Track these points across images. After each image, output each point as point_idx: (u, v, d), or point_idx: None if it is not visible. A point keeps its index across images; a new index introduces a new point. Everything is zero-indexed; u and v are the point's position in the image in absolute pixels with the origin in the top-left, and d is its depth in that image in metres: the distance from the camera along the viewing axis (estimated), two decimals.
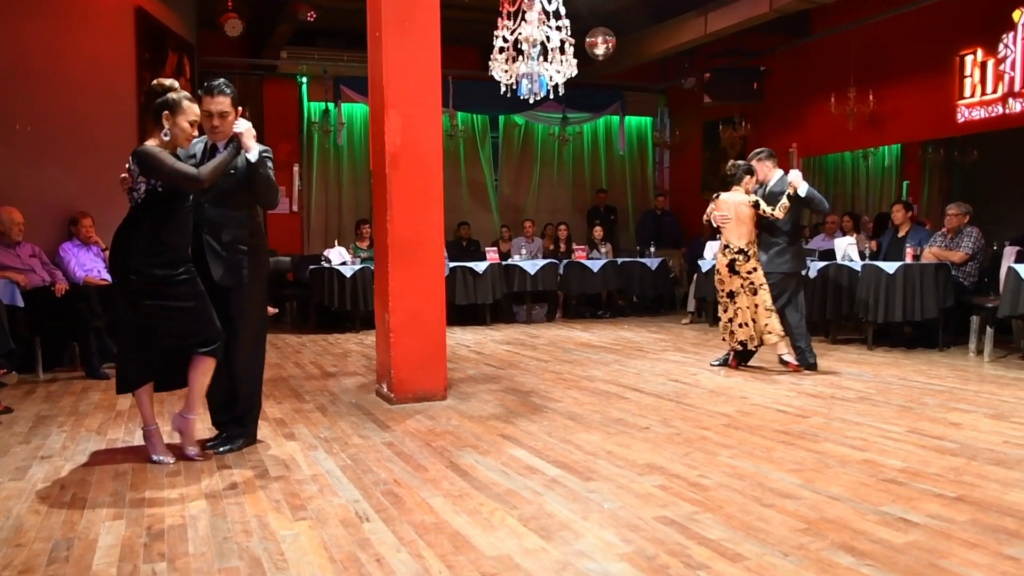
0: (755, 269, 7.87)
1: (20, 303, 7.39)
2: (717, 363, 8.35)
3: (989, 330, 8.51)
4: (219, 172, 4.87)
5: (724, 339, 8.19)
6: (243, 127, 5.00)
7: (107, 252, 9.07)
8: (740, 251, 7.85)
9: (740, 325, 7.92)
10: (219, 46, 13.03)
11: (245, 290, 5.15)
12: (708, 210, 8.16)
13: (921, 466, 4.62)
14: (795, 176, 7.79)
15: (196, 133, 4.98)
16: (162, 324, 4.82)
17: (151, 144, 4.78)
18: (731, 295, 7.97)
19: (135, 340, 4.91)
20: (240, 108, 5.15)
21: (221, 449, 5.14)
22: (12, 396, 6.99)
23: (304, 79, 14.54)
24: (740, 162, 8.20)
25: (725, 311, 8.08)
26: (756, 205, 7.81)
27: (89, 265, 8.76)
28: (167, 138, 4.79)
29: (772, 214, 7.73)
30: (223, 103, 5.00)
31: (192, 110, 4.87)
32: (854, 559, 3.29)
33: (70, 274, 8.48)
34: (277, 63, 13.73)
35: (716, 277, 8.15)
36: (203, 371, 4.94)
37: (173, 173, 4.70)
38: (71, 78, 9.28)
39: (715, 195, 8.12)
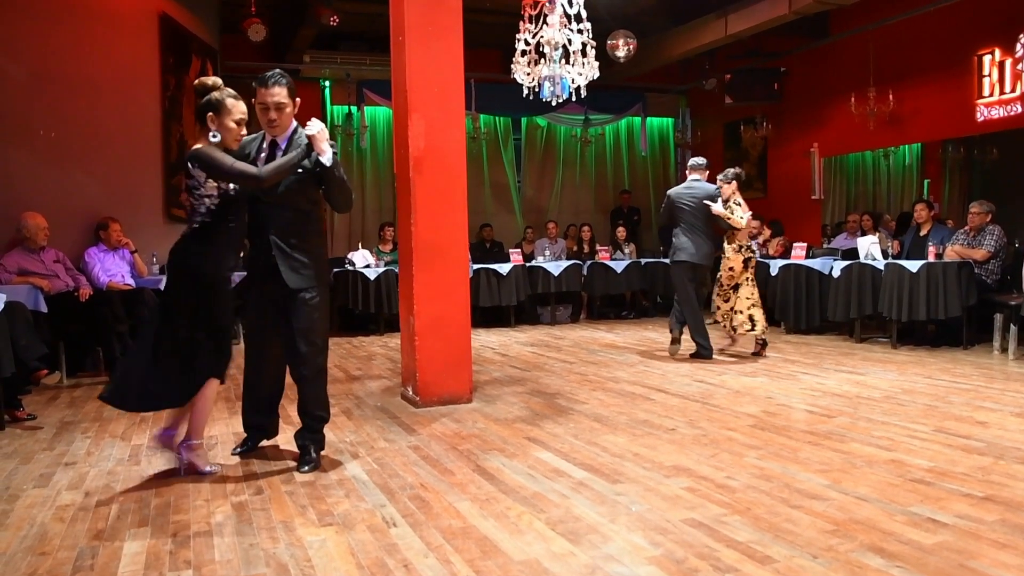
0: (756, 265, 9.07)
1: (44, 308, 7.42)
2: (755, 352, 8.99)
3: (1013, 328, 8.47)
4: (283, 173, 4.66)
5: (726, 326, 9.20)
6: (315, 128, 4.70)
7: (136, 254, 9.14)
8: (751, 248, 9.00)
9: (737, 312, 8.98)
10: (242, 50, 13.08)
11: (311, 293, 4.89)
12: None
13: (949, 466, 4.59)
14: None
15: (244, 132, 4.81)
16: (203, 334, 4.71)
17: (201, 146, 4.63)
18: (736, 288, 8.99)
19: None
20: (298, 100, 4.89)
21: (304, 469, 4.81)
22: (36, 402, 7.05)
23: (327, 83, 14.58)
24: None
25: (727, 301, 9.11)
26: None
27: (114, 270, 8.80)
28: (215, 140, 4.64)
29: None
30: (279, 94, 4.76)
31: (238, 108, 4.71)
32: (884, 560, 3.28)
33: (94, 279, 8.52)
34: (300, 67, 13.75)
35: (727, 273, 9.01)
36: (213, 395, 4.86)
37: (233, 172, 4.56)
38: (95, 84, 9.34)
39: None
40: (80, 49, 9.16)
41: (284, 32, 13.23)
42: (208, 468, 4.82)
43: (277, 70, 4.85)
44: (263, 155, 4.87)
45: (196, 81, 4.73)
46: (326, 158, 4.73)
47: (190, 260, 4.72)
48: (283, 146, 4.85)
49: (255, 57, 13.37)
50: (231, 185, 4.65)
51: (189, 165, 4.61)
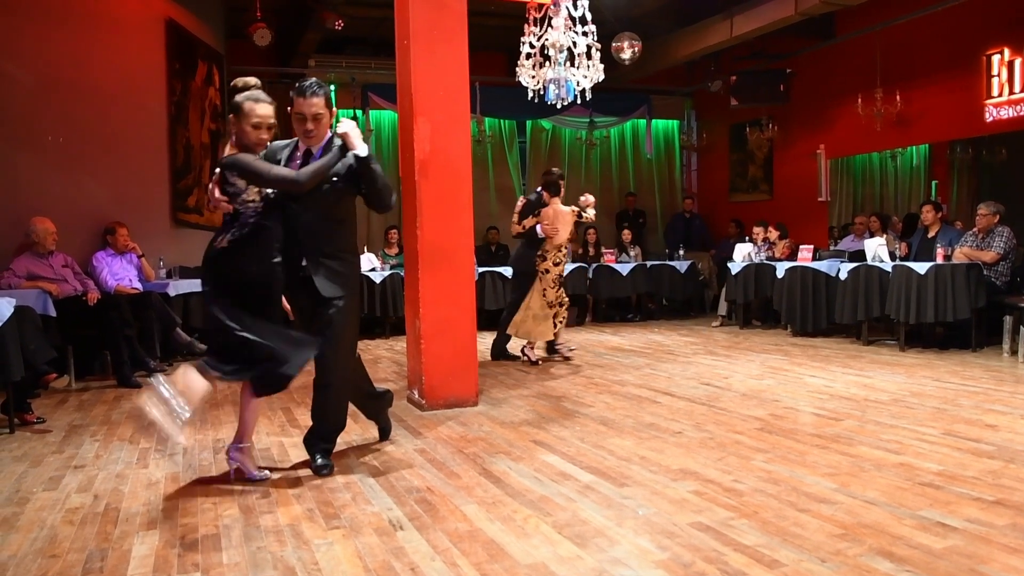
0: (547, 271, 9.08)
1: (52, 312, 7.42)
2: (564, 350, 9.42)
3: (1023, 330, 8.42)
4: (320, 175, 4.58)
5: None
6: (347, 126, 4.69)
7: (143, 258, 9.16)
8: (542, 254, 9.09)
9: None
10: (248, 55, 13.09)
11: (344, 302, 4.83)
12: (528, 222, 9.20)
13: (958, 469, 4.57)
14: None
15: (266, 137, 4.64)
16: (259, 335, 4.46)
17: (234, 152, 4.54)
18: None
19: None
20: (334, 109, 4.85)
21: (324, 472, 4.80)
22: (45, 406, 7.06)
23: (332, 87, 14.45)
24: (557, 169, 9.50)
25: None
26: (579, 215, 9.31)
27: (121, 274, 8.83)
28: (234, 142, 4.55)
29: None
30: (317, 104, 4.70)
31: (254, 112, 4.53)
32: (892, 565, 3.26)
33: (102, 283, 8.54)
34: (305, 71, 13.72)
35: (548, 277, 9.12)
36: (258, 401, 4.71)
37: (271, 177, 4.47)
38: (102, 89, 9.37)
39: (537, 211, 9.18)
40: (87, 55, 9.19)
41: (289, 37, 13.25)
42: (257, 474, 4.73)
43: (314, 80, 4.80)
44: (297, 163, 4.78)
45: (234, 81, 4.59)
46: (362, 150, 4.71)
47: (241, 263, 4.52)
48: (319, 156, 4.78)
49: (261, 62, 13.39)
50: (269, 189, 4.54)
51: (226, 174, 4.49)
